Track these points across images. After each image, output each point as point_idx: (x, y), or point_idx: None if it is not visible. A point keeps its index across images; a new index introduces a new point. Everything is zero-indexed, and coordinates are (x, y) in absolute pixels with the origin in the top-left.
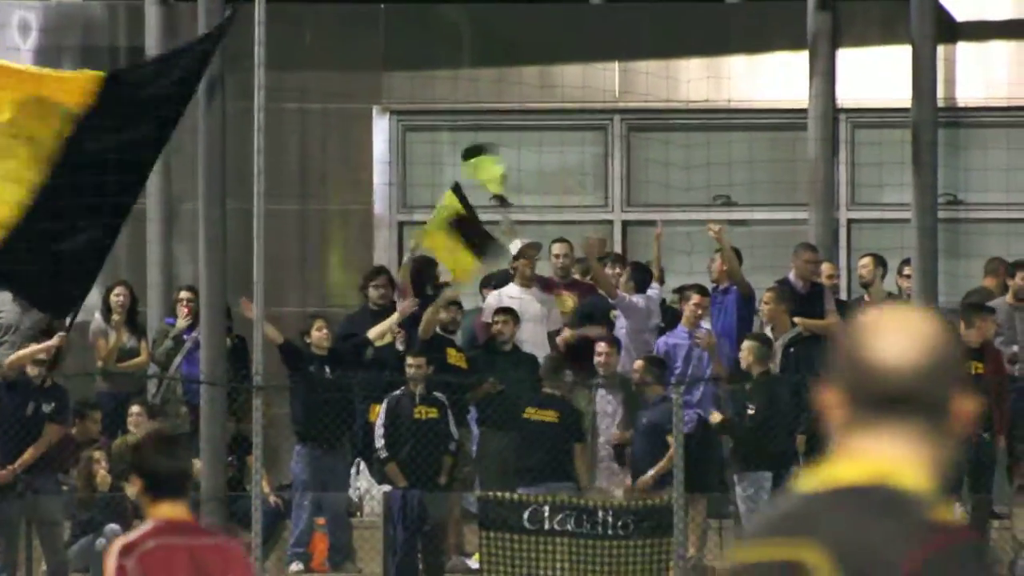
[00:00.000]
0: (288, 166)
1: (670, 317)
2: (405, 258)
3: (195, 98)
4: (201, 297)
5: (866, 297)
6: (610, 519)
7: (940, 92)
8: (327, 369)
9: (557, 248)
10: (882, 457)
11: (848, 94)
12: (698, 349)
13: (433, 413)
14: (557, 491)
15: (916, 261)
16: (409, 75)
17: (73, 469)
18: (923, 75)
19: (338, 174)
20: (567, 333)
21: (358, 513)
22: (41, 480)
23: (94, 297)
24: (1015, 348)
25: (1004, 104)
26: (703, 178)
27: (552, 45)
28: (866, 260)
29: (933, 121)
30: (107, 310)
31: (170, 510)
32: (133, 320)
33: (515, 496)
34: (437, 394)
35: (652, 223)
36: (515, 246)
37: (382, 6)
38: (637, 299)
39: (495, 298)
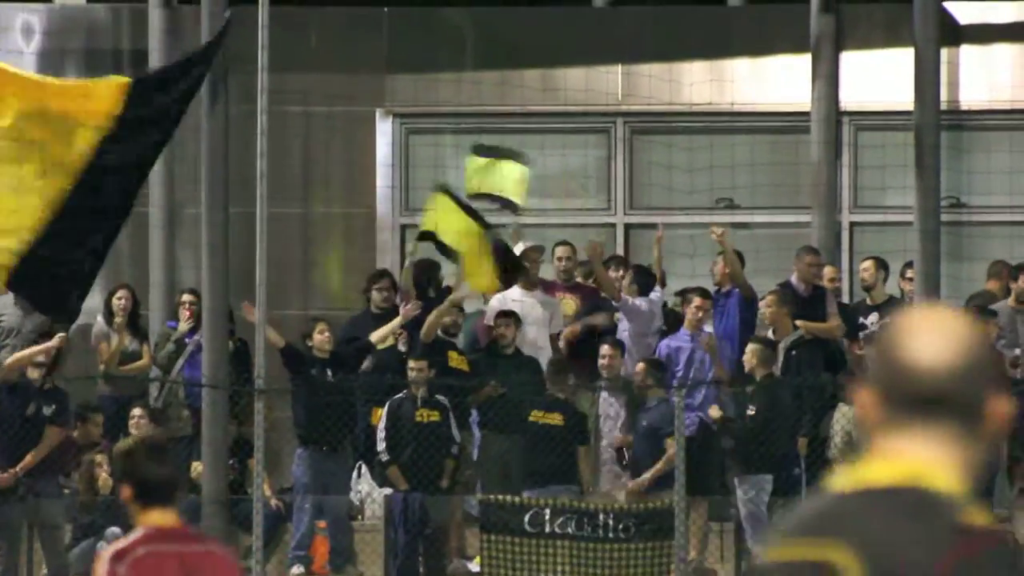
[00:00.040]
0: (291, 169)
1: (672, 320)
2: (407, 262)
3: (198, 100)
4: (203, 300)
5: (868, 301)
6: (611, 522)
7: (943, 95)
8: (329, 372)
9: (560, 251)
10: (915, 458)
11: (851, 97)
12: (700, 352)
13: (435, 416)
14: (558, 494)
15: (919, 264)
16: (412, 78)
17: (74, 472)
18: (926, 78)
19: (341, 177)
20: (570, 329)
21: (359, 516)
22: (42, 483)
23: (96, 300)
24: (1017, 351)
25: (1007, 107)
26: (706, 181)
27: (555, 48)
28: (868, 263)
29: (936, 124)
30: (109, 313)
31: (160, 517)
32: (135, 323)
33: (516, 499)
34: (439, 397)
35: (655, 226)
36: (518, 249)
37: (385, 9)
38: (640, 302)
39: (497, 301)
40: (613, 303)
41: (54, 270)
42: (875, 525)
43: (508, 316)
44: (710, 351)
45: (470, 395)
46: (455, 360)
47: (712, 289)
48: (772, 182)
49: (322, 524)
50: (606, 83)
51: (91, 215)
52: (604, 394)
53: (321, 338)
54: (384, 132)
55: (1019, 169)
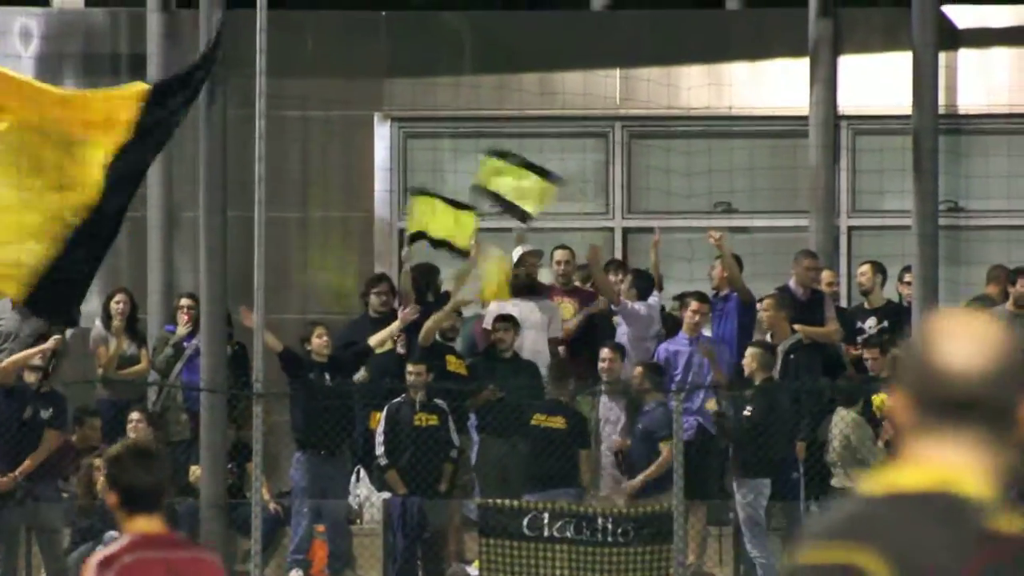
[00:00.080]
0: (289, 173)
1: (670, 324)
2: (405, 266)
3: (196, 104)
4: (201, 304)
5: (866, 305)
6: (610, 526)
7: (941, 99)
8: (327, 376)
9: (559, 255)
10: (945, 463)
11: (849, 101)
12: (698, 356)
13: (433, 420)
14: (560, 498)
15: (917, 268)
16: (410, 82)
17: (73, 476)
18: (924, 82)
19: (339, 181)
20: (571, 324)
21: (358, 520)
22: (41, 487)
23: (94, 304)
24: None
25: (1005, 111)
26: (704, 185)
27: (553, 52)
28: (865, 267)
29: (934, 128)
30: (107, 317)
31: (146, 524)
32: (133, 327)
33: (515, 503)
34: (438, 401)
35: (652, 230)
36: (516, 252)
37: (383, 13)
38: (639, 306)
39: (496, 305)
40: (612, 307)
41: (58, 277)
42: (904, 530)
43: (506, 320)
44: (708, 357)
45: (468, 399)
46: (453, 364)
47: (710, 293)
48: (770, 186)
49: (321, 528)
50: (604, 87)
51: (94, 222)
52: (604, 398)
53: (319, 342)
54: (382, 136)
55: (1017, 173)
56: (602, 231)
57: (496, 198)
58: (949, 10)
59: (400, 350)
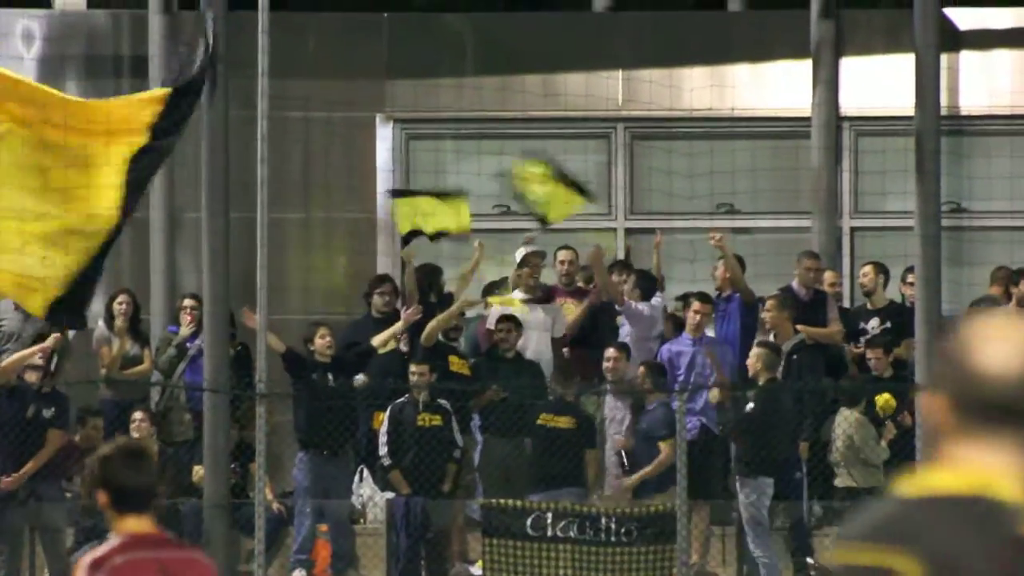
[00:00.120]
0: (291, 174)
1: (673, 325)
2: (408, 267)
3: (198, 106)
4: (204, 305)
5: (868, 305)
6: (613, 526)
7: (943, 100)
8: (330, 377)
9: (562, 255)
10: (982, 467)
11: (851, 102)
12: (701, 356)
13: (437, 420)
14: (560, 497)
15: (919, 269)
16: (412, 83)
17: (76, 476)
18: (926, 83)
19: (341, 182)
20: (572, 321)
21: (361, 520)
22: (44, 487)
23: (98, 305)
24: None
25: (1007, 112)
26: (706, 186)
27: (555, 54)
28: (867, 268)
29: (936, 129)
30: (110, 318)
31: (136, 524)
32: (136, 328)
33: (518, 503)
34: (441, 401)
35: (655, 231)
36: (519, 253)
37: (385, 15)
38: (642, 307)
39: (498, 306)
40: (616, 307)
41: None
42: (939, 534)
43: (509, 320)
44: (711, 358)
45: (472, 399)
46: (456, 364)
47: (713, 294)
48: (772, 187)
49: (324, 528)
50: (606, 88)
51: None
52: (609, 398)
53: (322, 343)
54: (384, 137)
55: (1019, 174)
56: (604, 232)
57: (522, 199)
58: (951, 11)
59: (403, 347)
